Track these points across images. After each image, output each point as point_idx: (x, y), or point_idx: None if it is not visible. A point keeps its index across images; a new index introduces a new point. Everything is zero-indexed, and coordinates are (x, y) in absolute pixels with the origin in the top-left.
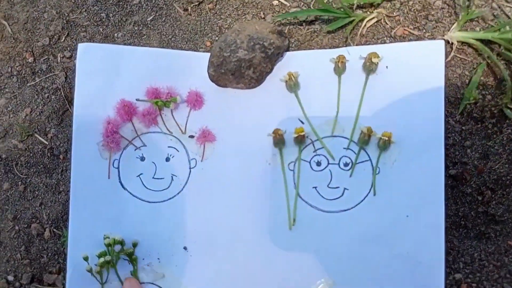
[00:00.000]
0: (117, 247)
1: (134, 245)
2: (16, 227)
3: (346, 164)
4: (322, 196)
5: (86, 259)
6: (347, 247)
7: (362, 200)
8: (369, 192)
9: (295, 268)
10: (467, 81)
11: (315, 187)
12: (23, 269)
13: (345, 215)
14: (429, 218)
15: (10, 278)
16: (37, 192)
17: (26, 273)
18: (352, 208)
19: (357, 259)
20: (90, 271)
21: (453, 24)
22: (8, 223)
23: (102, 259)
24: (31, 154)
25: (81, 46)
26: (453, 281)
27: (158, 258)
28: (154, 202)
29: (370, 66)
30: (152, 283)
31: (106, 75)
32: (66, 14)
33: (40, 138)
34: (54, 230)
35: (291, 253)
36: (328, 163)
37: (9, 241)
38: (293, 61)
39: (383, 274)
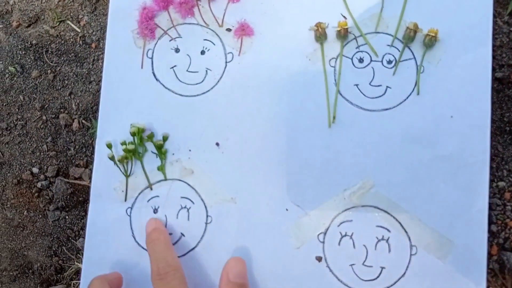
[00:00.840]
0: (145, 137)
1: (165, 138)
2: (44, 117)
3: (389, 62)
4: (364, 94)
5: (109, 146)
6: (388, 147)
7: (405, 99)
8: (412, 91)
9: (333, 167)
10: None
11: (357, 85)
12: (49, 161)
13: (387, 114)
14: (474, 120)
15: (35, 170)
16: (67, 81)
17: (52, 166)
18: (394, 107)
19: (399, 159)
20: (112, 158)
21: None
22: (35, 112)
23: (124, 147)
24: (63, 42)
25: None
26: (496, 189)
27: (189, 153)
28: (187, 96)
29: None
30: (180, 180)
31: None
32: None
33: (72, 25)
34: (83, 121)
35: (330, 152)
36: (371, 60)
37: (36, 131)
38: None
39: (425, 176)
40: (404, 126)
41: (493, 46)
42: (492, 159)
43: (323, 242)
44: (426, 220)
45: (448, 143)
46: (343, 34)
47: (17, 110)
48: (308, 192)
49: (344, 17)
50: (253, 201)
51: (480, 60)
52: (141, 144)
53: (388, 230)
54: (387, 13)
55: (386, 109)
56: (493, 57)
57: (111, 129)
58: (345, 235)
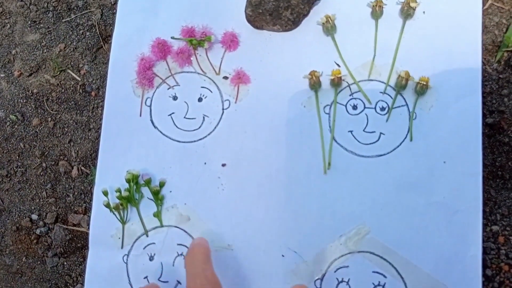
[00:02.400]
0: (141, 182)
1: (161, 184)
2: (43, 164)
3: (382, 109)
4: (358, 141)
5: (105, 193)
6: (383, 193)
7: (398, 145)
8: (405, 138)
9: (329, 213)
10: (504, 29)
11: (351, 131)
12: (48, 208)
13: (381, 160)
14: (466, 166)
15: (34, 216)
16: (66, 129)
17: (51, 212)
18: (388, 153)
19: (393, 205)
20: (107, 206)
21: None
22: (35, 159)
23: (118, 194)
24: (63, 90)
25: None
26: (490, 233)
27: (186, 199)
28: (184, 142)
29: (407, 11)
30: (176, 226)
31: (144, 15)
32: None
33: (72, 74)
34: (82, 168)
35: (326, 198)
36: (365, 107)
37: (35, 178)
38: (330, 5)
39: (419, 222)
40: (398, 172)
41: (483, 93)
42: (485, 204)
43: None
44: (421, 265)
45: (442, 190)
46: (337, 82)
47: (17, 157)
48: (305, 238)
49: (337, 65)
50: (249, 248)
51: (471, 107)
52: (138, 191)
53: (384, 276)
54: (379, 61)
55: (380, 155)
56: (483, 103)
57: (110, 176)
58: (342, 281)
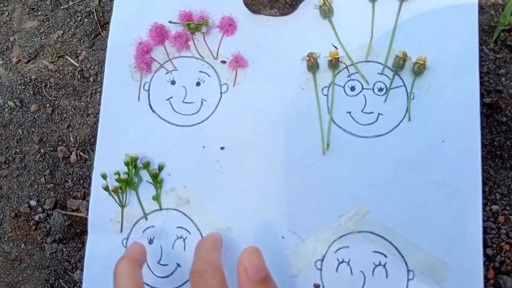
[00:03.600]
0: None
1: (160, 167)
2: (42, 150)
3: (380, 89)
4: (356, 121)
5: (104, 176)
6: (382, 173)
7: (397, 126)
8: (403, 118)
9: (328, 194)
10: (500, 9)
11: (349, 112)
12: (47, 193)
13: (379, 140)
14: (465, 144)
15: (33, 203)
16: (65, 115)
17: (50, 198)
18: (386, 133)
19: (392, 185)
20: (106, 189)
21: None
22: (33, 146)
23: (116, 176)
24: (61, 76)
25: None
26: (489, 213)
27: (185, 182)
28: (182, 126)
29: None
30: (175, 209)
31: (142, 1)
32: None
33: (71, 59)
34: (81, 153)
35: (325, 179)
36: (362, 88)
37: (34, 164)
38: None
39: (419, 201)
40: (396, 152)
41: (480, 72)
42: (484, 183)
43: (321, 269)
44: (422, 244)
45: (440, 168)
46: (335, 64)
47: (15, 143)
48: (304, 219)
49: (335, 47)
50: (249, 230)
51: (468, 86)
52: (136, 174)
53: (385, 256)
54: (376, 43)
55: (379, 136)
56: (481, 83)
57: (108, 160)
58: (342, 261)
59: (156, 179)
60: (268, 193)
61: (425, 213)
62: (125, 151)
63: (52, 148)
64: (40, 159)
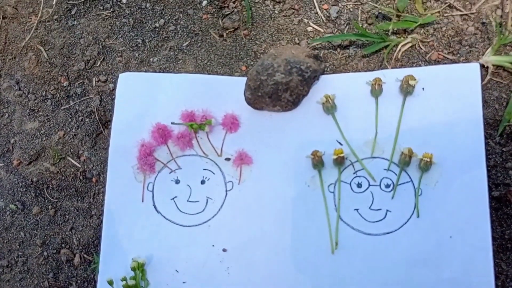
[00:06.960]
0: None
1: None
2: (45, 253)
3: (387, 186)
4: (364, 219)
5: (110, 283)
6: (393, 271)
7: (405, 222)
8: (412, 214)
9: None
10: (504, 103)
11: (357, 209)
12: None
13: (389, 238)
14: (475, 240)
15: None
16: (67, 216)
17: None
18: (395, 230)
19: (404, 283)
20: None
21: (486, 48)
22: (36, 248)
23: (124, 283)
24: (63, 178)
25: (122, 76)
26: None
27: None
28: (188, 226)
29: (407, 88)
30: None
31: (143, 101)
32: (102, 40)
33: (72, 161)
34: (85, 255)
35: (335, 278)
36: (369, 185)
37: (37, 267)
38: (329, 84)
39: None
40: (407, 249)
41: (487, 166)
42: (496, 277)
43: None
44: None
45: (452, 265)
46: (340, 161)
47: (18, 246)
48: None
49: (340, 143)
50: None
51: (476, 181)
52: (143, 278)
53: None
54: (381, 139)
55: (388, 233)
56: (489, 177)
57: (113, 264)
58: None
59: None
60: None
61: None
62: (130, 254)
63: (55, 251)
64: (43, 262)
